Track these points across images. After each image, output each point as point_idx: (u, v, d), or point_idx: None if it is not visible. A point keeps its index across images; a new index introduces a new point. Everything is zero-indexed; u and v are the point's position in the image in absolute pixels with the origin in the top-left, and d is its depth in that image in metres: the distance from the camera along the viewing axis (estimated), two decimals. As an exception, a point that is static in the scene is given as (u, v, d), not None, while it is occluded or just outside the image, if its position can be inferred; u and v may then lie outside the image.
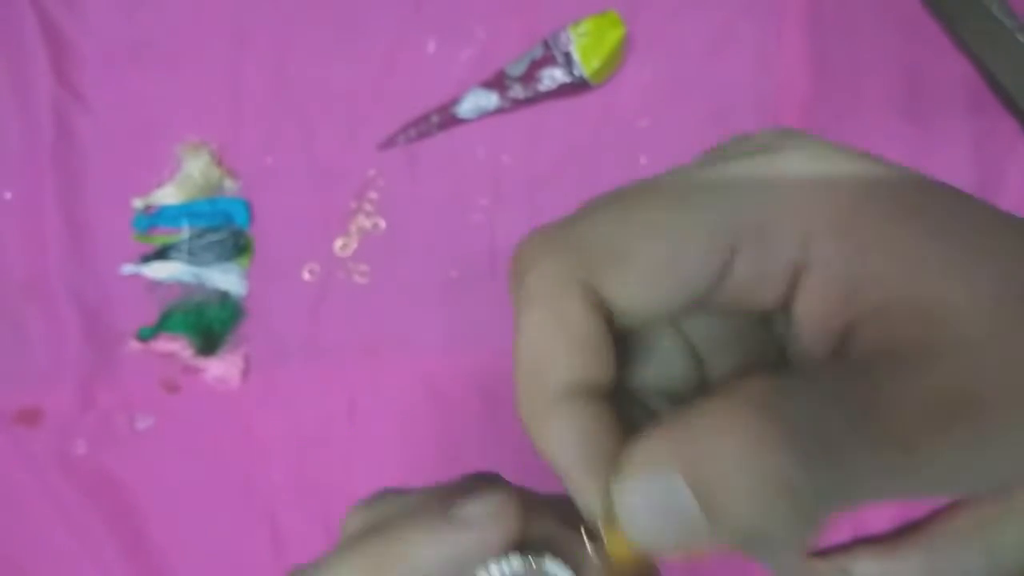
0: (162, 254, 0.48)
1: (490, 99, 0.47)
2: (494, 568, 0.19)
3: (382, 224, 0.48)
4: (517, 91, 0.47)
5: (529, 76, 0.47)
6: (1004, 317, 0.16)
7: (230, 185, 0.48)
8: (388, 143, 0.48)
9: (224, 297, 0.48)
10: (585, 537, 0.19)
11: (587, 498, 0.18)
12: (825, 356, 0.17)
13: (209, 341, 0.47)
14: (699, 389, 0.20)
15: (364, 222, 0.48)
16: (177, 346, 0.47)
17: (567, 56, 0.46)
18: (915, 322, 0.16)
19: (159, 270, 0.47)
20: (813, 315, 0.17)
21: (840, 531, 0.50)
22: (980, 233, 0.17)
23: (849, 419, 0.15)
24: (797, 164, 0.17)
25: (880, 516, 0.51)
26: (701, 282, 0.17)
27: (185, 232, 0.47)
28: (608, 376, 0.18)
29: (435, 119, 0.47)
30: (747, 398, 0.15)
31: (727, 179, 0.17)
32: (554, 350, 0.18)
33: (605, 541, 0.18)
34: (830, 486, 0.15)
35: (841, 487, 0.15)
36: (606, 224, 0.18)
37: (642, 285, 0.17)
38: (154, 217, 0.48)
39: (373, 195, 0.48)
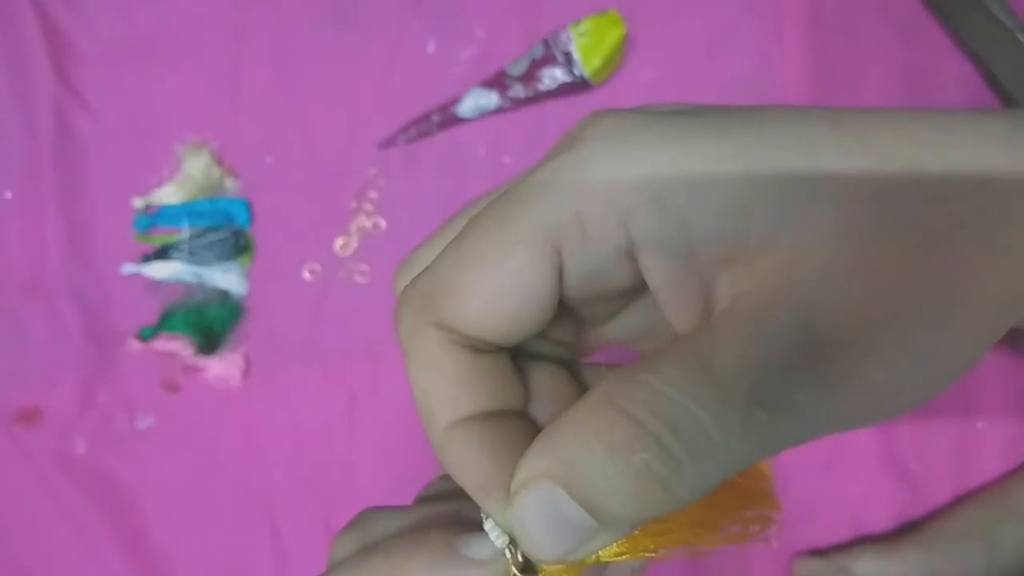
0: (162, 254, 0.48)
1: (490, 98, 0.47)
2: None
3: (382, 223, 0.48)
4: (518, 90, 0.47)
5: (529, 75, 0.47)
6: (846, 253, 0.15)
7: (230, 184, 0.48)
8: (388, 143, 0.48)
9: (224, 297, 0.48)
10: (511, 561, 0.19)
11: (497, 519, 0.18)
12: (695, 322, 0.18)
13: (209, 341, 0.47)
14: None
15: (364, 221, 0.48)
16: (177, 345, 0.47)
17: (567, 55, 0.46)
18: (752, 271, 0.16)
19: (159, 270, 0.47)
20: (662, 288, 0.18)
21: (840, 531, 0.50)
22: (805, 160, 0.16)
23: (697, 391, 0.15)
24: (599, 151, 0.17)
25: (880, 516, 0.51)
26: (538, 288, 0.18)
27: (185, 232, 0.47)
28: (489, 402, 0.19)
29: (435, 118, 0.48)
30: (602, 397, 0.16)
31: (536, 185, 0.18)
32: (430, 393, 0.18)
33: (519, 554, 0.19)
34: (693, 465, 0.15)
35: (697, 453, 0.15)
36: (442, 262, 0.18)
37: (483, 312, 0.18)
38: (154, 217, 0.48)
39: (373, 194, 0.48)
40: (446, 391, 0.18)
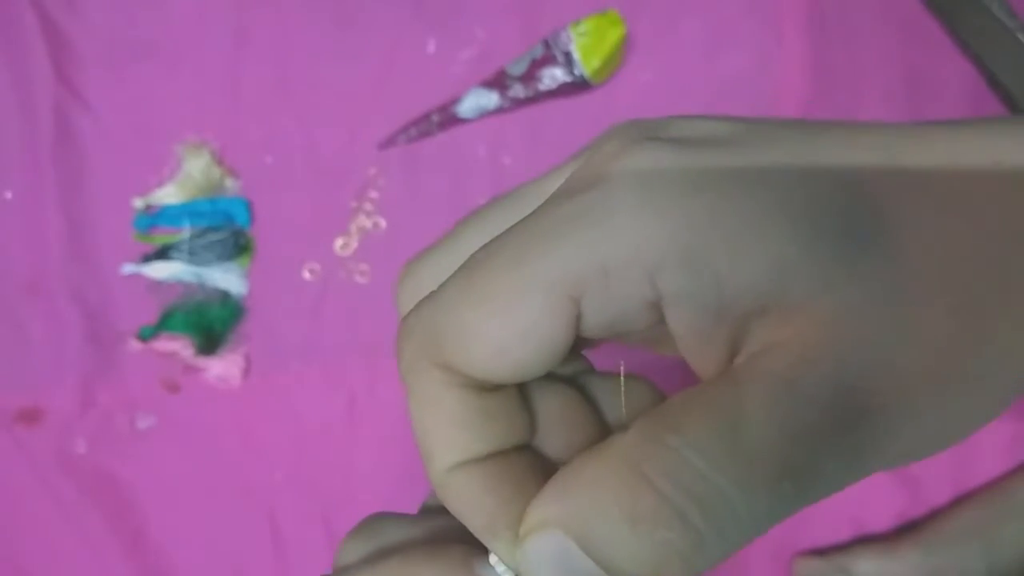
0: (163, 254, 0.48)
1: (491, 98, 0.47)
2: None
3: (382, 223, 0.48)
4: (518, 90, 0.47)
5: (530, 75, 0.47)
6: (892, 317, 0.15)
7: (231, 185, 0.48)
8: (388, 143, 0.48)
9: (225, 297, 0.48)
10: None
11: (504, 559, 0.18)
12: (717, 370, 0.17)
13: (210, 341, 0.47)
14: None
15: (364, 221, 0.48)
16: (178, 346, 0.47)
17: (567, 55, 0.46)
18: (786, 324, 0.15)
19: (160, 270, 0.47)
20: (686, 337, 0.17)
21: (840, 531, 0.51)
22: (855, 218, 0.15)
23: (725, 462, 0.14)
24: (628, 197, 0.16)
25: (880, 516, 0.51)
26: (552, 337, 0.17)
27: (186, 232, 0.47)
28: (493, 442, 0.18)
29: (435, 118, 0.48)
30: (623, 457, 0.15)
31: (557, 224, 0.16)
32: (431, 434, 0.18)
33: None
34: (716, 540, 0.15)
35: (722, 528, 0.15)
36: (451, 298, 0.17)
37: (491, 358, 0.17)
38: (155, 217, 0.48)
39: (373, 194, 0.48)
40: (448, 433, 0.18)
